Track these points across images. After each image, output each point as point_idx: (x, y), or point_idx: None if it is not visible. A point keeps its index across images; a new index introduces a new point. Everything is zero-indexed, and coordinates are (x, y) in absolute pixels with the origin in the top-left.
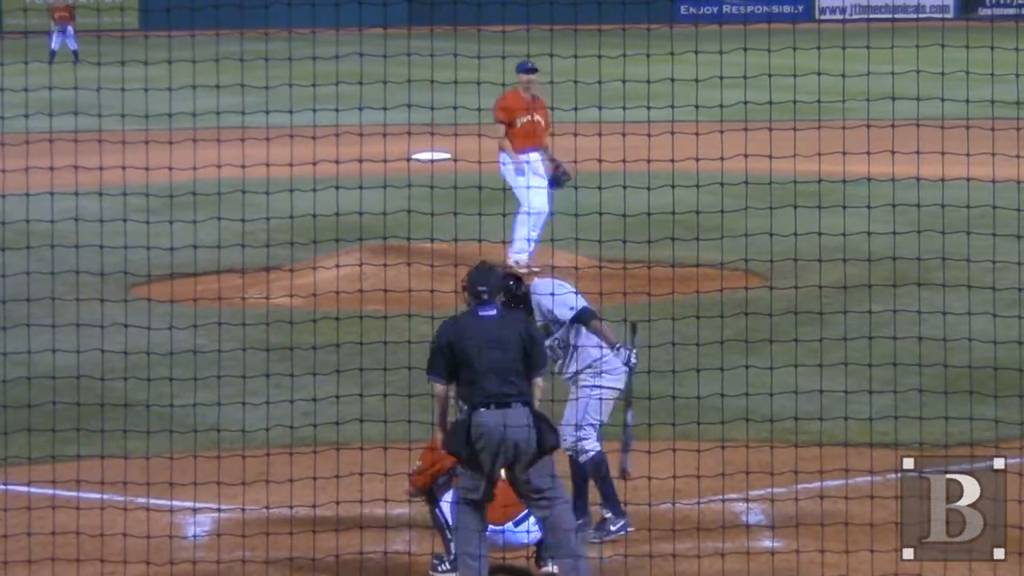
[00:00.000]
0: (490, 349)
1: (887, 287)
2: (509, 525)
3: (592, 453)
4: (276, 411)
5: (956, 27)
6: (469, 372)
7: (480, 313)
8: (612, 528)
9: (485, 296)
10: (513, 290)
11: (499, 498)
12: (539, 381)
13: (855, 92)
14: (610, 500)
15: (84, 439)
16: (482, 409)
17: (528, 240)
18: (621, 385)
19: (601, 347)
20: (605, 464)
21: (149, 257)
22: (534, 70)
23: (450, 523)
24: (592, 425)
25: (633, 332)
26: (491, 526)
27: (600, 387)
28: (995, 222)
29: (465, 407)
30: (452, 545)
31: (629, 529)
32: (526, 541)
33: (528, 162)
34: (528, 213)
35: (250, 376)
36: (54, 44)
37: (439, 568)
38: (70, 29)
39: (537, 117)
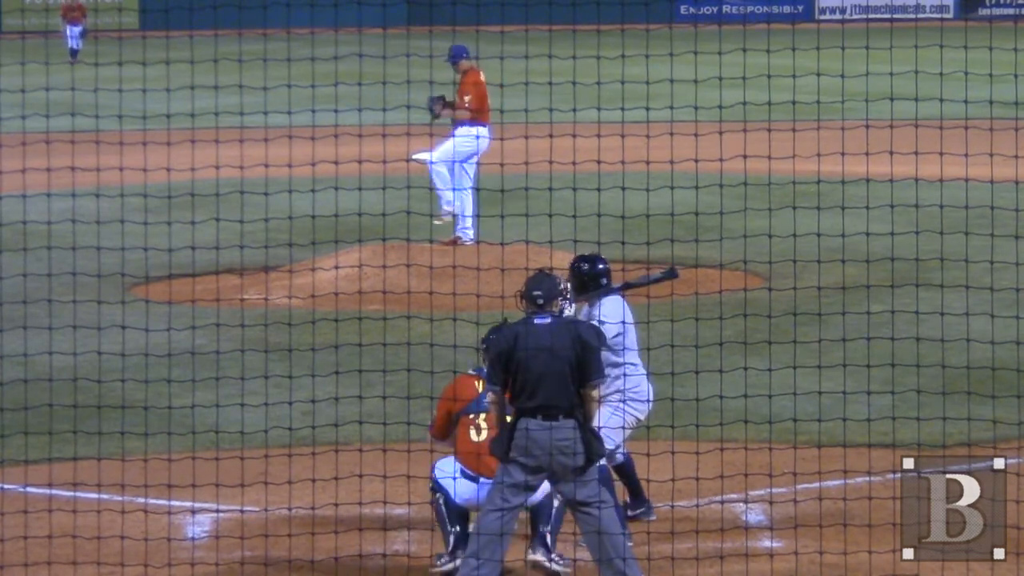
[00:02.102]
0: (542, 359)
1: (885, 288)
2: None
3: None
4: (275, 412)
5: (955, 27)
6: (520, 381)
7: (535, 322)
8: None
9: (541, 302)
10: (580, 270)
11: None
12: (593, 393)
13: (854, 92)
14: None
15: (81, 440)
16: (529, 419)
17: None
18: (643, 416)
19: (626, 375)
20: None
21: (147, 258)
22: (450, 59)
23: (449, 504)
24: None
25: None
26: (483, 479)
27: (623, 414)
28: (993, 222)
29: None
30: (451, 538)
31: (652, 518)
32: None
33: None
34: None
35: (249, 377)
36: (72, 43)
37: (438, 563)
38: (81, 28)
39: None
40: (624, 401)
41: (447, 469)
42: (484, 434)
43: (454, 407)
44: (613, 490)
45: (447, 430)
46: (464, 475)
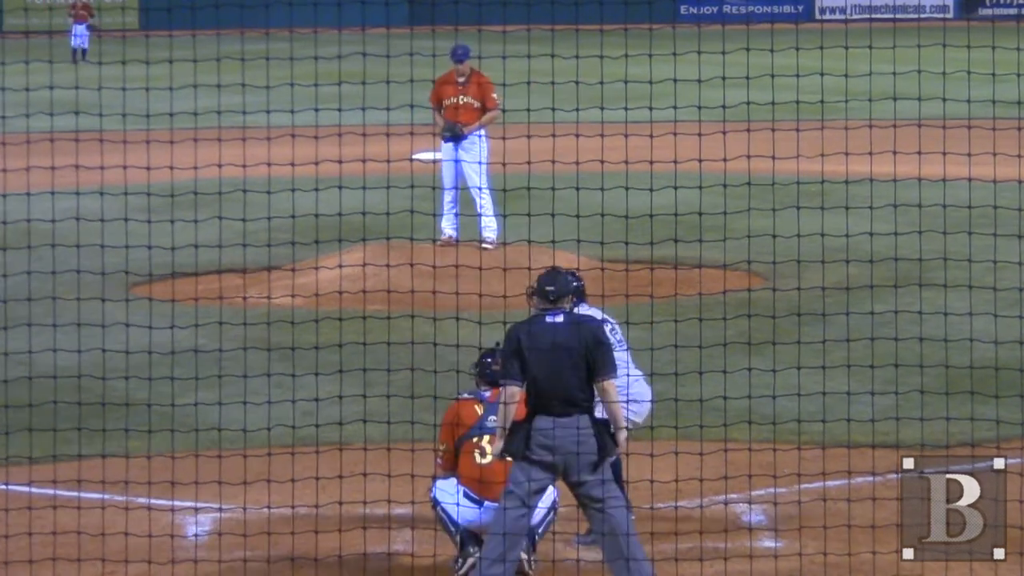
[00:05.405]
0: (557, 356)
1: (889, 287)
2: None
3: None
4: (278, 411)
5: (957, 27)
6: (535, 377)
7: (547, 319)
8: None
9: (552, 298)
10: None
11: (499, 476)
12: (608, 385)
13: (856, 92)
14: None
15: (85, 439)
16: (544, 416)
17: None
18: (640, 420)
19: (628, 375)
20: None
21: (150, 256)
22: (459, 60)
23: (452, 520)
24: None
25: None
26: (487, 502)
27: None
28: (996, 222)
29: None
30: (458, 538)
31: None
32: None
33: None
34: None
35: (252, 376)
36: (75, 42)
37: (456, 567)
38: (86, 26)
39: (464, 99)
40: (627, 402)
41: (448, 491)
42: (488, 458)
43: (457, 432)
44: (624, 490)
45: (455, 461)
46: (468, 498)
